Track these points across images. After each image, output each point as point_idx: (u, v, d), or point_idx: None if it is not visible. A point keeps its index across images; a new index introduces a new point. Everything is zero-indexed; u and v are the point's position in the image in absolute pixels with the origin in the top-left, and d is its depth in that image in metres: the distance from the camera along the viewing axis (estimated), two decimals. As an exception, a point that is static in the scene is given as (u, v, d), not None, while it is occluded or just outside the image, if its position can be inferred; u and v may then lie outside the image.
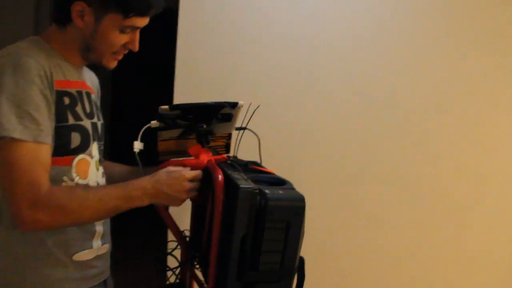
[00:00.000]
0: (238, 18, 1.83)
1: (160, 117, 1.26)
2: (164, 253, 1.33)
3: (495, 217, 2.09)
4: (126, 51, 1.17)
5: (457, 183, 2.04)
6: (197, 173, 1.17)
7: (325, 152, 1.94)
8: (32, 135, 0.97)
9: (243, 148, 1.39)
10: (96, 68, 1.20)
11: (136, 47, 1.16)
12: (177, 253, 1.36)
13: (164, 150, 1.39)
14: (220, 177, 1.14)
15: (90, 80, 1.27)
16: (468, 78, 1.99)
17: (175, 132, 1.36)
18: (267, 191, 1.09)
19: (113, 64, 1.17)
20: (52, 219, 1.00)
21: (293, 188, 1.16)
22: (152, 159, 1.30)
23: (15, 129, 0.95)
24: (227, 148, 1.46)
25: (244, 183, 1.09)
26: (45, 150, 1.01)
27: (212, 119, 1.32)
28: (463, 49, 1.97)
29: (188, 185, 1.14)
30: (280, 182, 1.19)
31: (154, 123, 1.28)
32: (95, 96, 1.27)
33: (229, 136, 1.43)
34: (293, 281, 1.17)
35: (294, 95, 1.88)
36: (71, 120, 1.09)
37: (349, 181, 1.97)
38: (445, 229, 2.07)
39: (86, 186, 1.13)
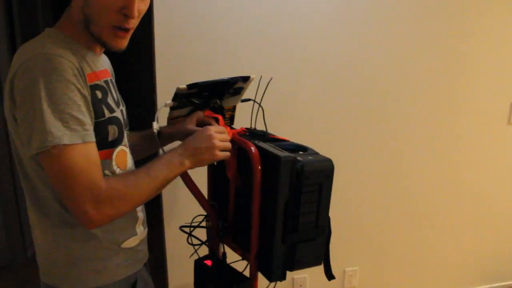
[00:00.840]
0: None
1: (175, 96, 1.28)
2: (190, 226, 1.37)
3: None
4: (126, 24, 1.05)
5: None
6: (221, 128, 1.22)
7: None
8: (80, 137, 0.96)
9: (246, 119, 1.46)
10: (111, 52, 1.14)
11: (132, 12, 1.03)
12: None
13: (173, 129, 1.41)
14: (253, 149, 1.21)
15: (107, 64, 1.24)
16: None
17: (184, 111, 1.39)
18: (299, 158, 1.19)
19: (115, 42, 1.07)
20: (116, 211, 1.01)
21: (317, 153, 1.26)
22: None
23: (63, 135, 0.94)
24: (231, 119, 1.51)
25: (281, 153, 1.18)
26: (94, 148, 1.01)
27: (225, 94, 1.37)
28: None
29: (216, 134, 1.18)
30: (302, 148, 1.29)
31: (169, 103, 1.30)
32: (114, 80, 1.25)
33: (233, 109, 1.49)
34: (328, 238, 1.30)
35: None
36: (107, 114, 1.08)
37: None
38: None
39: (132, 171, 1.15)
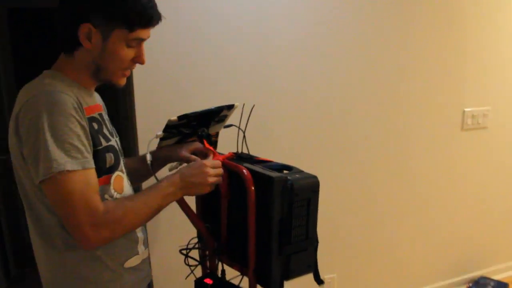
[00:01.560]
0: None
1: (166, 128, 1.40)
2: (187, 248, 1.48)
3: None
4: (134, 66, 1.25)
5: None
6: (217, 162, 1.33)
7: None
8: (80, 164, 1.08)
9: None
10: (107, 87, 1.27)
11: (143, 59, 1.23)
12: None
13: (162, 158, 1.52)
14: (246, 172, 1.33)
15: (99, 99, 1.35)
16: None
17: (172, 140, 1.50)
18: (289, 177, 1.32)
19: (122, 81, 1.25)
20: (113, 233, 1.12)
21: (302, 171, 1.40)
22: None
23: (66, 163, 1.05)
24: (215, 145, 1.63)
25: (273, 173, 1.31)
26: (93, 174, 1.12)
27: (211, 122, 1.49)
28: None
29: (211, 171, 1.29)
30: (287, 168, 1.42)
31: (160, 134, 1.41)
32: (106, 113, 1.35)
33: (217, 135, 1.61)
34: (316, 247, 1.43)
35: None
36: (103, 143, 1.20)
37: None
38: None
39: (129, 196, 1.26)
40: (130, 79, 1.96)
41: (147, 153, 1.37)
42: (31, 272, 3.46)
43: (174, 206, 1.43)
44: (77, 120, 1.09)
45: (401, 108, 2.55)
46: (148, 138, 1.36)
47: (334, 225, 2.53)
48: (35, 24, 4.56)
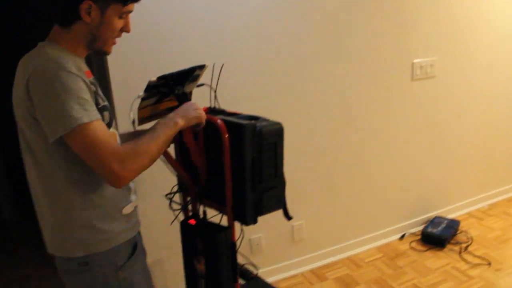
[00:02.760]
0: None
1: (147, 88, 1.60)
2: (172, 193, 1.72)
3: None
4: (121, 35, 1.46)
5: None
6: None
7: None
8: (94, 115, 1.28)
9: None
10: (97, 55, 1.47)
11: (130, 28, 1.46)
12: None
13: (142, 117, 1.73)
14: (220, 121, 1.57)
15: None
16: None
17: (152, 100, 1.70)
18: (257, 123, 1.57)
19: (111, 49, 1.47)
20: (137, 165, 1.32)
21: (268, 119, 1.64)
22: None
23: (83, 116, 1.25)
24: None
25: (244, 121, 1.55)
26: (103, 123, 1.33)
27: (186, 82, 1.71)
28: None
29: (195, 104, 1.55)
30: (255, 118, 1.66)
31: (141, 94, 1.62)
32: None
33: (191, 93, 1.82)
34: (284, 187, 1.69)
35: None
36: (101, 102, 1.41)
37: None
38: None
39: (137, 137, 1.43)
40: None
41: (130, 112, 1.58)
42: (16, 247, 3.64)
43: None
44: (83, 80, 1.29)
45: (354, 62, 2.81)
46: (122, 103, 1.57)
47: (301, 177, 2.81)
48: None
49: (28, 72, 1.27)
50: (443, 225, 3.23)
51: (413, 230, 3.33)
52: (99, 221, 1.41)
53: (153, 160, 1.41)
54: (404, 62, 2.98)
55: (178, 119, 1.47)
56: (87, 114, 1.26)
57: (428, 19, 3.00)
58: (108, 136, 1.30)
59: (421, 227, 3.30)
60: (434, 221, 3.31)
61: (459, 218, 3.45)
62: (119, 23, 1.41)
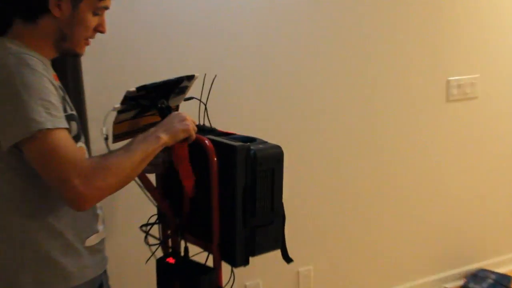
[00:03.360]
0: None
1: (124, 99, 1.65)
2: (148, 224, 1.75)
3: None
4: (94, 35, 1.49)
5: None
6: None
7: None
8: (60, 122, 1.28)
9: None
10: (66, 56, 1.52)
11: (105, 28, 1.49)
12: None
13: (118, 133, 1.77)
14: (208, 142, 1.60)
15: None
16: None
17: (131, 113, 1.76)
18: (252, 146, 1.61)
19: (84, 50, 1.50)
20: (105, 183, 1.30)
21: (266, 142, 1.68)
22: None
23: (46, 121, 1.24)
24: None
25: (235, 143, 1.59)
26: (70, 134, 1.34)
27: (171, 94, 1.76)
28: None
29: (186, 116, 1.54)
30: (250, 139, 1.69)
31: (117, 106, 1.65)
32: None
33: (177, 108, 1.87)
34: (283, 222, 1.70)
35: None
36: (69, 111, 1.42)
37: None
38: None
39: (111, 150, 1.47)
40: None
41: (103, 127, 1.64)
42: None
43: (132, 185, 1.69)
44: (50, 81, 1.30)
45: (379, 79, 2.84)
46: (97, 116, 1.59)
47: (310, 213, 2.79)
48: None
49: None
50: (490, 281, 3.15)
51: (449, 286, 3.26)
52: (56, 253, 1.40)
53: (125, 181, 1.39)
54: (437, 79, 2.96)
55: (161, 134, 1.45)
56: (51, 119, 1.26)
57: (469, 29, 3.00)
58: (72, 148, 1.30)
59: (461, 282, 3.24)
60: (478, 275, 3.22)
61: (511, 274, 3.34)
62: (93, 21, 1.44)
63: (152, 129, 1.48)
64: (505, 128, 3.27)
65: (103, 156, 1.39)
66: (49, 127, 1.25)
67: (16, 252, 1.39)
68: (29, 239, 1.38)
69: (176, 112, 1.57)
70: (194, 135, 1.55)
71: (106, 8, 1.48)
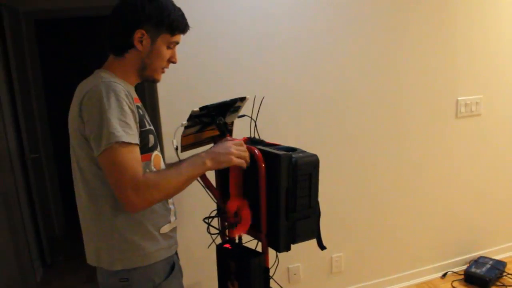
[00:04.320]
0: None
1: (190, 117, 1.73)
2: (210, 217, 1.82)
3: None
4: (168, 65, 1.61)
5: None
6: (239, 141, 1.64)
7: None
8: (132, 138, 1.40)
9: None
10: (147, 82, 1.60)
11: (176, 59, 1.61)
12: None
13: (185, 144, 1.85)
14: (257, 151, 1.67)
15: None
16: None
17: (194, 129, 1.83)
18: (293, 155, 1.65)
19: (161, 77, 1.62)
20: (151, 196, 1.41)
21: (305, 151, 1.72)
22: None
23: (122, 136, 1.37)
24: (230, 132, 1.95)
25: (280, 152, 1.64)
26: (137, 149, 1.44)
27: (227, 112, 1.82)
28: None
29: (233, 145, 1.57)
30: (292, 149, 1.74)
31: (184, 123, 1.74)
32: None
33: (232, 124, 1.94)
34: (319, 217, 1.76)
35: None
36: (147, 126, 1.54)
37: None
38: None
39: (165, 168, 1.60)
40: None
41: (173, 139, 1.70)
42: (64, 261, 3.86)
43: (197, 186, 1.77)
44: (127, 104, 1.42)
45: (399, 99, 2.89)
46: (169, 130, 1.67)
47: (341, 210, 2.87)
48: (59, 34, 5.08)
49: (83, 93, 1.42)
50: (488, 266, 3.17)
51: (456, 269, 3.30)
52: (138, 237, 1.51)
53: (168, 196, 1.52)
54: (449, 99, 3.02)
55: (207, 160, 1.53)
56: (126, 135, 1.38)
57: (475, 56, 3.03)
58: (135, 163, 1.39)
59: (464, 267, 3.27)
60: (478, 261, 3.26)
61: (505, 260, 3.37)
62: (167, 53, 1.56)
63: (203, 154, 1.55)
64: (504, 140, 3.32)
65: (157, 172, 1.50)
66: (124, 140, 1.37)
67: (107, 235, 1.50)
68: (116, 226, 1.49)
69: (227, 143, 1.60)
70: (237, 163, 1.58)
71: (177, 43, 1.60)
